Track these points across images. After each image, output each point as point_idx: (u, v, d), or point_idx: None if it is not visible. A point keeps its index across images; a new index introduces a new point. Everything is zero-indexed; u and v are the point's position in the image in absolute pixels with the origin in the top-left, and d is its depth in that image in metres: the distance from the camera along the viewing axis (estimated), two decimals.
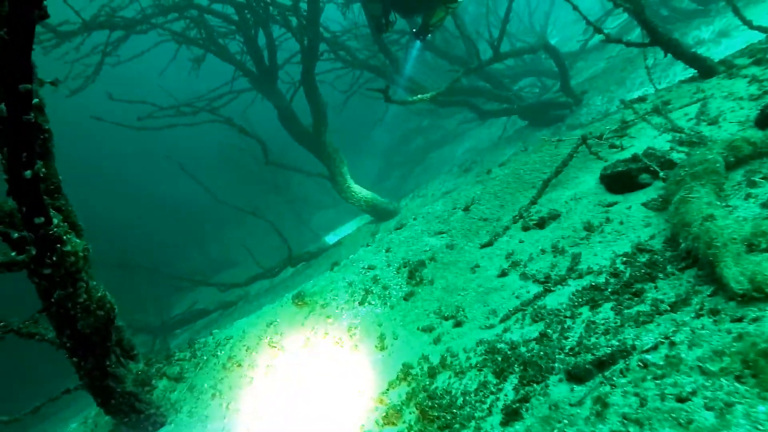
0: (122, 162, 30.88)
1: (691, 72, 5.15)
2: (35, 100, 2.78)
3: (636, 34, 14.51)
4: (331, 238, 15.82)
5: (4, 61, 1.77)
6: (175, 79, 12.47)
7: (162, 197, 22.72)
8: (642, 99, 4.93)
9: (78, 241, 2.77)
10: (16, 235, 2.38)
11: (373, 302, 3.68)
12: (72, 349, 2.97)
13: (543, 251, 3.52)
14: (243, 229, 22.67)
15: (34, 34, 1.79)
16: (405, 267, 3.86)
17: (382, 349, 3.37)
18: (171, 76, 12.12)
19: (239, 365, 3.69)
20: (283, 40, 11.47)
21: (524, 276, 3.39)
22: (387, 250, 4.13)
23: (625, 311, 2.52)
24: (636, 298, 2.59)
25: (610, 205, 3.66)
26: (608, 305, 2.65)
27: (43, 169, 2.75)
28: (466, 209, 4.23)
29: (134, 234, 20.84)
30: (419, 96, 8.27)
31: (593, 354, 2.27)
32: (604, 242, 3.37)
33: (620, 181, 3.74)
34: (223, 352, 3.88)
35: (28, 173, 2.06)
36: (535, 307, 3.02)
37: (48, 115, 2.98)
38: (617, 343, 2.29)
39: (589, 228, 3.53)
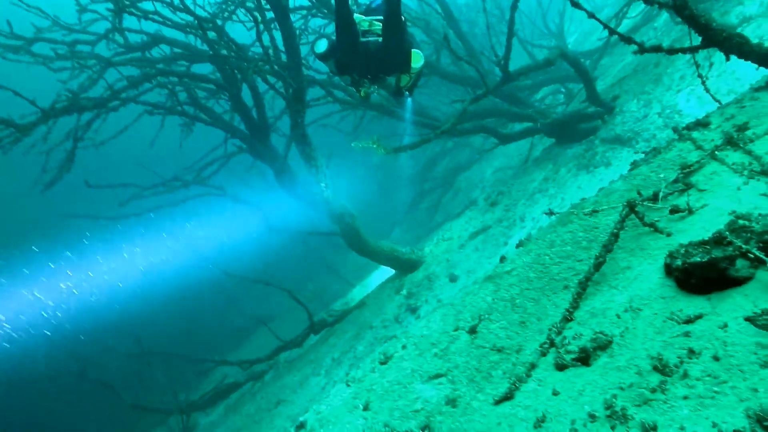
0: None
1: (764, 72, 3.74)
2: None
3: (664, 18, 12.93)
4: (359, 291, 14.63)
5: None
6: (171, 152, 11.60)
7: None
8: (703, 123, 3.52)
9: None
10: None
11: None
12: None
13: (592, 417, 2.19)
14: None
15: None
16: None
17: None
18: (164, 148, 11.25)
19: None
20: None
21: None
22: (365, 408, 2.86)
23: None
24: None
25: (690, 321, 2.30)
26: None
27: None
28: (473, 331, 2.92)
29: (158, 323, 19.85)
30: (420, 140, 7.05)
31: None
32: (692, 401, 2.02)
33: (699, 277, 2.39)
34: None
35: None
36: None
37: None
38: None
39: (662, 369, 2.19)
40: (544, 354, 2.58)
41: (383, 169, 24.88)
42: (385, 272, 12.89)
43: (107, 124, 9.68)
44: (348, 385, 3.26)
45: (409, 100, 10.29)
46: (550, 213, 3.68)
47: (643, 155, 4.11)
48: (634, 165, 3.63)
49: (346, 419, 2.87)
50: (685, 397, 2.04)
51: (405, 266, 10.23)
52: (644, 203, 2.97)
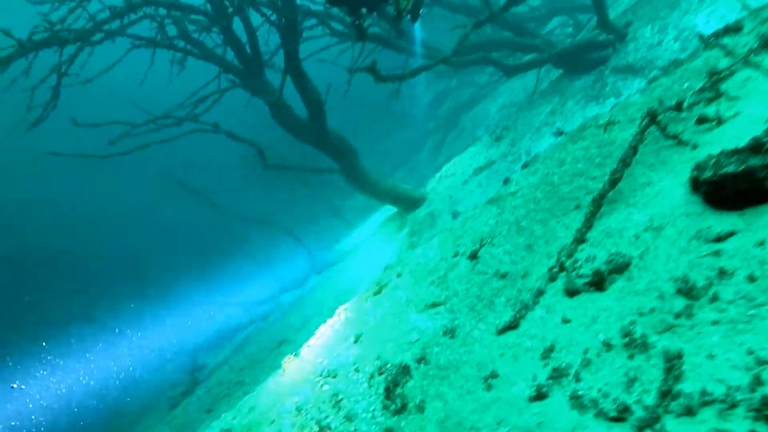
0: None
1: None
2: None
3: None
4: (361, 230, 14.42)
5: None
6: (162, 89, 11.18)
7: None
8: (734, 28, 3.14)
9: None
10: None
11: None
12: None
13: (607, 346, 1.95)
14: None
15: None
16: (381, 374, 2.36)
17: None
18: (155, 84, 10.85)
19: None
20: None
21: (578, 402, 1.83)
22: (356, 340, 2.64)
23: None
24: None
25: (721, 239, 2.03)
26: None
27: None
28: (473, 257, 2.66)
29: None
30: (417, 68, 6.65)
31: None
32: (723, 326, 1.77)
33: (731, 190, 2.09)
34: None
35: None
36: None
37: None
38: None
39: (688, 292, 1.93)
40: (552, 279, 2.33)
41: (385, 108, 24.29)
42: (387, 212, 12.66)
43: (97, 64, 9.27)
44: (339, 317, 3.05)
45: (417, 29, 9.76)
46: (560, 133, 3.36)
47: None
48: (653, 79, 3.29)
49: (335, 348, 2.67)
50: (715, 322, 1.79)
51: (407, 204, 9.97)
52: (666, 113, 2.64)
